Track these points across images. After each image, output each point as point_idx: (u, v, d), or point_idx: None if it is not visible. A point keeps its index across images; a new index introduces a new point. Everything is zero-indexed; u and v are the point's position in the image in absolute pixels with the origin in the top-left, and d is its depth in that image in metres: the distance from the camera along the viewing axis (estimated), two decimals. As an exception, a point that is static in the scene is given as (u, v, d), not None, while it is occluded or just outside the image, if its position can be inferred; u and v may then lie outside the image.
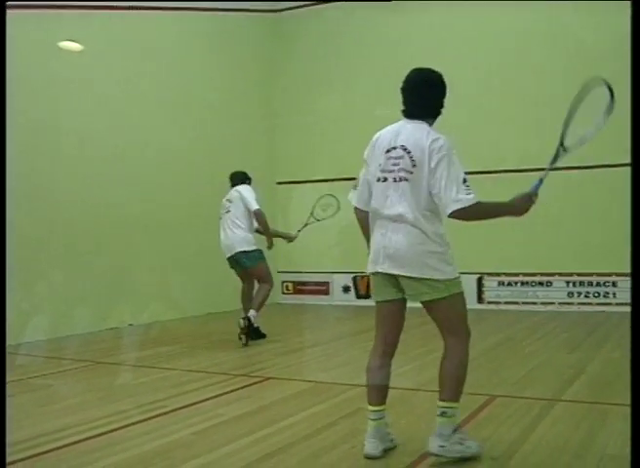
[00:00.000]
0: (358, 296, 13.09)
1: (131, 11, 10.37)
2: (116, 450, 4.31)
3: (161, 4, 10.88)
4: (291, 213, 13.52)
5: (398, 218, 3.95)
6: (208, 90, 12.13)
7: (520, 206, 4.07)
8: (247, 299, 9.10)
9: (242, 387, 6.13)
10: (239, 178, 9.22)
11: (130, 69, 10.61)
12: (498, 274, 12.02)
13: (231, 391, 5.98)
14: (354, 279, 13.08)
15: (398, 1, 12.16)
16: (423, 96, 4.08)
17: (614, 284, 11.25)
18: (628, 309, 11.71)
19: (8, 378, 6.51)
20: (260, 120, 13.56)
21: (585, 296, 11.48)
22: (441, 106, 4.13)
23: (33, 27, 8.95)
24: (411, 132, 3.99)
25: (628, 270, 11.30)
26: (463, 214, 3.81)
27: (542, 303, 11.71)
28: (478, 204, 3.82)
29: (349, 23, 13.06)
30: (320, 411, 5.16)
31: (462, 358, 4.13)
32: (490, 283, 12.09)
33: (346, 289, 13.18)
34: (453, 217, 3.85)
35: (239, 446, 4.37)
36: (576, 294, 11.56)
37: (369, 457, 4.07)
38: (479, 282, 12.15)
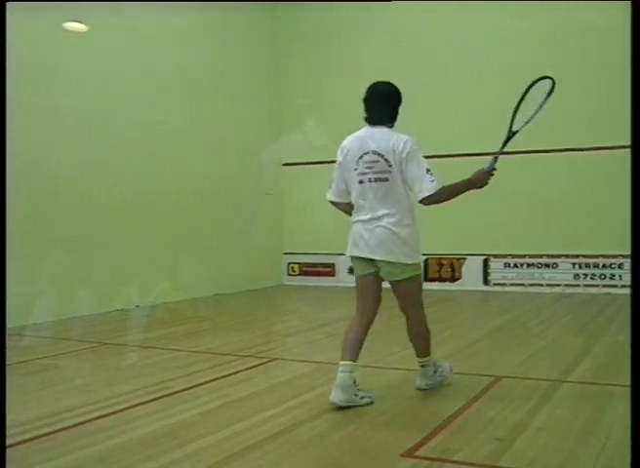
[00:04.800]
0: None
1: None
2: (123, 430, 4.33)
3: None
4: (296, 194, 13.52)
5: (377, 215, 4.77)
6: (214, 72, 12.08)
7: (478, 179, 4.77)
8: None
9: (248, 368, 6.15)
10: None
11: (135, 52, 10.56)
12: (504, 255, 12.01)
13: (238, 372, 6.00)
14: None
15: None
16: (385, 105, 4.87)
17: (620, 266, 11.23)
18: (634, 291, 11.51)
19: (15, 359, 6.57)
20: (267, 102, 13.53)
21: (591, 278, 11.46)
22: (397, 113, 4.92)
23: (37, 9, 8.89)
24: (380, 137, 4.75)
25: (635, 252, 11.02)
26: (432, 199, 4.64)
27: (548, 285, 11.70)
28: (442, 188, 4.62)
29: (356, 6, 12.97)
30: (326, 392, 5.16)
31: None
32: (496, 264, 12.09)
33: (352, 270, 13.14)
34: (424, 204, 4.70)
35: (245, 425, 4.39)
36: (582, 276, 11.54)
37: (332, 404, 4.72)
38: (485, 263, 12.14)
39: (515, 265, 11.97)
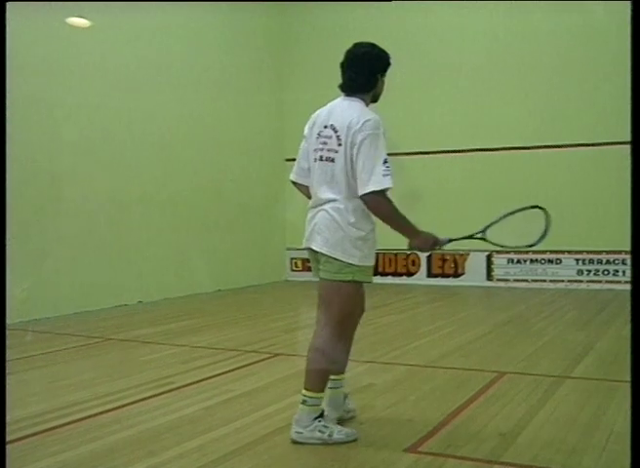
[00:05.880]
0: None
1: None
2: (126, 426, 4.34)
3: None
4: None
5: (322, 200, 3.96)
6: (216, 65, 12.06)
7: (423, 241, 4.00)
8: None
9: (251, 363, 6.16)
10: None
11: (138, 46, 10.53)
12: (507, 251, 12.00)
13: (241, 367, 6.00)
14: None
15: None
16: (359, 70, 4.01)
17: (623, 261, 11.21)
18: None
19: (19, 355, 6.59)
20: (269, 95, 13.52)
21: (595, 274, 11.46)
22: (376, 81, 4.06)
23: (40, 5, 8.87)
24: (343, 110, 3.96)
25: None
26: (375, 200, 3.77)
27: (552, 281, 11.70)
28: (387, 199, 3.78)
29: (367, 6, 12.94)
30: (329, 388, 5.17)
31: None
32: (499, 260, 12.08)
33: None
34: (365, 202, 3.81)
35: (249, 420, 4.39)
36: (585, 272, 11.54)
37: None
38: (488, 259, 12.13)
39: (519, 261, 11.97)
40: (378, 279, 12.96)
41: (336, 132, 3.90)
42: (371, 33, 12.53)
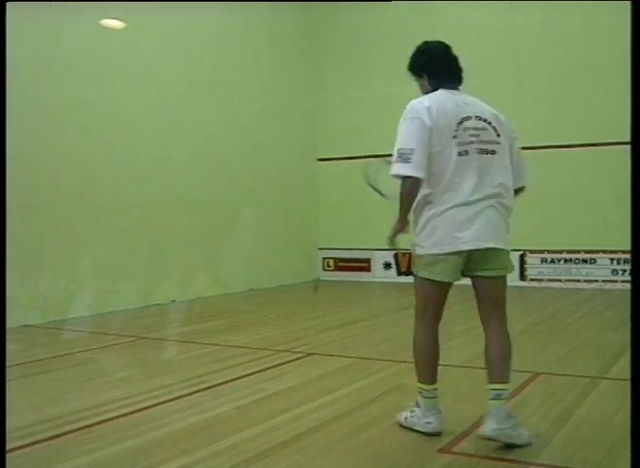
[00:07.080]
0: (399, 273, 13.05)
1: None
2: (160, 424, 4.36)
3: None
4: (332, 189, 13.51)
5: (485, 194, 3.84)
6: (249, 66, 12.09)
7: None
8: None
9: (284, 363, 6.17)
10: None
11: (169, 47, 10.58)
12: (540, 251, 11.90)
13: (274, 366, 6.01)
14: (395, 256, 13.03)
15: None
16: (458, 64, 4.10)
17: (659, 261, 11.07)
18: (675, 286, 11.33)
19: (55, 353, 6.66)
20: (301, 97, 13.54)
21: (630, 274, 11.31)
22: None
23: (75, 7, 8.94)
24: (475, 103, 3.96)
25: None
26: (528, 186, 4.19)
27: (586, 281, 11.58)
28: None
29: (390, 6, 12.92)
30: (363, 387, 5.17)
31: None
32: (532, 260, 11.98)
33: (388, 265, 13.15)
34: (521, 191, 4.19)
35: (282, 420, 4.39)
36: (620, 272, 11.41)
37: (436, 434, 3.98)
38: (522, 259, 12.04)
39: (552, 261, 11.86)
40: (410, 279, 12.92)
41: (490, 124, 3.89)
42: (402, 35, 12.63)
